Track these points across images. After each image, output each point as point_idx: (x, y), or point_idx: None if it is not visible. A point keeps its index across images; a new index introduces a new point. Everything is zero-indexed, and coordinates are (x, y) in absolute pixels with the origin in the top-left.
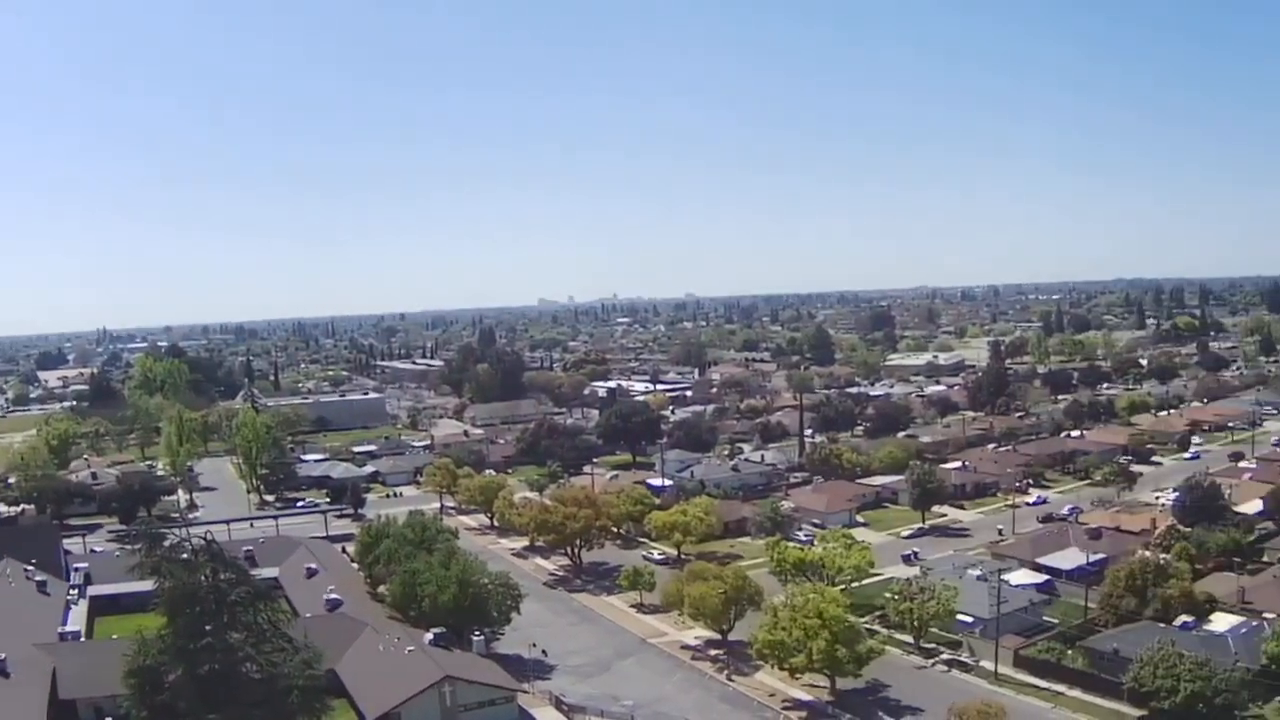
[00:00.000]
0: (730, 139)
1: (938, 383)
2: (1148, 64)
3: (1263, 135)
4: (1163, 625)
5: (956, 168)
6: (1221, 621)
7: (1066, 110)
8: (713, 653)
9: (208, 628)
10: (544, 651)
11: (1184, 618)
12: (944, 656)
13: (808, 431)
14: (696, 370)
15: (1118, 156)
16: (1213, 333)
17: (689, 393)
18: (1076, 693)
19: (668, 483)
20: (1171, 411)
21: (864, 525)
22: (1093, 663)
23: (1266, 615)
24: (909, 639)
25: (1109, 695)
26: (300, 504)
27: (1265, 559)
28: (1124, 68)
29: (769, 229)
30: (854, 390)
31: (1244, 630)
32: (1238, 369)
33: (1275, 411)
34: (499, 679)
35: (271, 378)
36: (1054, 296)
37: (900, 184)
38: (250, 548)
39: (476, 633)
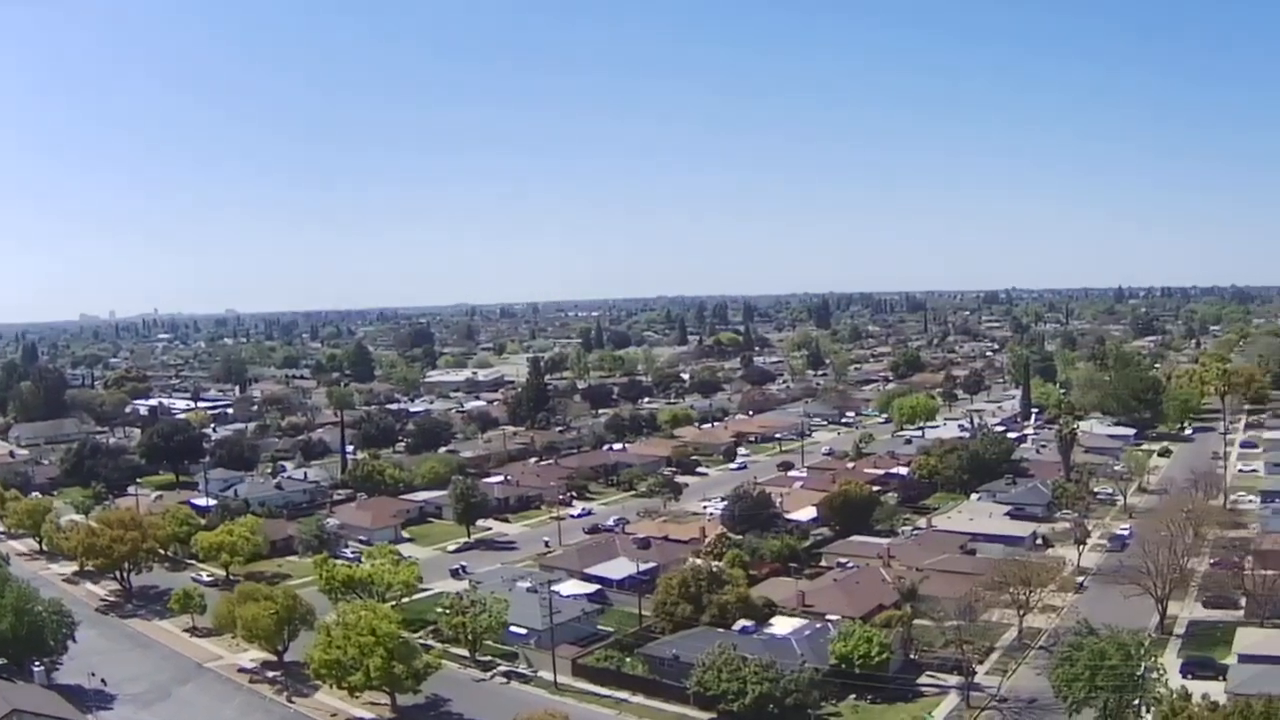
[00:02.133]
0: (260, 150)
1: (478, 398)
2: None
3: (814, 168)
4: (722, 630)
5: (491, 186)
6: (783, 625)
7: (592, 139)
8: (271, 674)
9: None
10: (103, 680)
11: (744, 622)
12: (502, 668)
13: (349, 448)
14: (238, 387)
15: (650, 180)
16: (758, 348)
17: (230, 410)
18: (640, 699)
19: (212, 502)
20: (716, 424)
21: (410, 541)
22: (653, 669)
23: (830, 617)
24: (465, 652)
25: (674, 700)
26: None
27: (823, 564)
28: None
29: (309, 245)
30: (394, 406)
31: (808, 632)
32: (784, 382)
33: (824, 422)
34: (64, 711)
35: None
36: (594, 313)
37: (436, 199)
38: None
39: (36, 663)
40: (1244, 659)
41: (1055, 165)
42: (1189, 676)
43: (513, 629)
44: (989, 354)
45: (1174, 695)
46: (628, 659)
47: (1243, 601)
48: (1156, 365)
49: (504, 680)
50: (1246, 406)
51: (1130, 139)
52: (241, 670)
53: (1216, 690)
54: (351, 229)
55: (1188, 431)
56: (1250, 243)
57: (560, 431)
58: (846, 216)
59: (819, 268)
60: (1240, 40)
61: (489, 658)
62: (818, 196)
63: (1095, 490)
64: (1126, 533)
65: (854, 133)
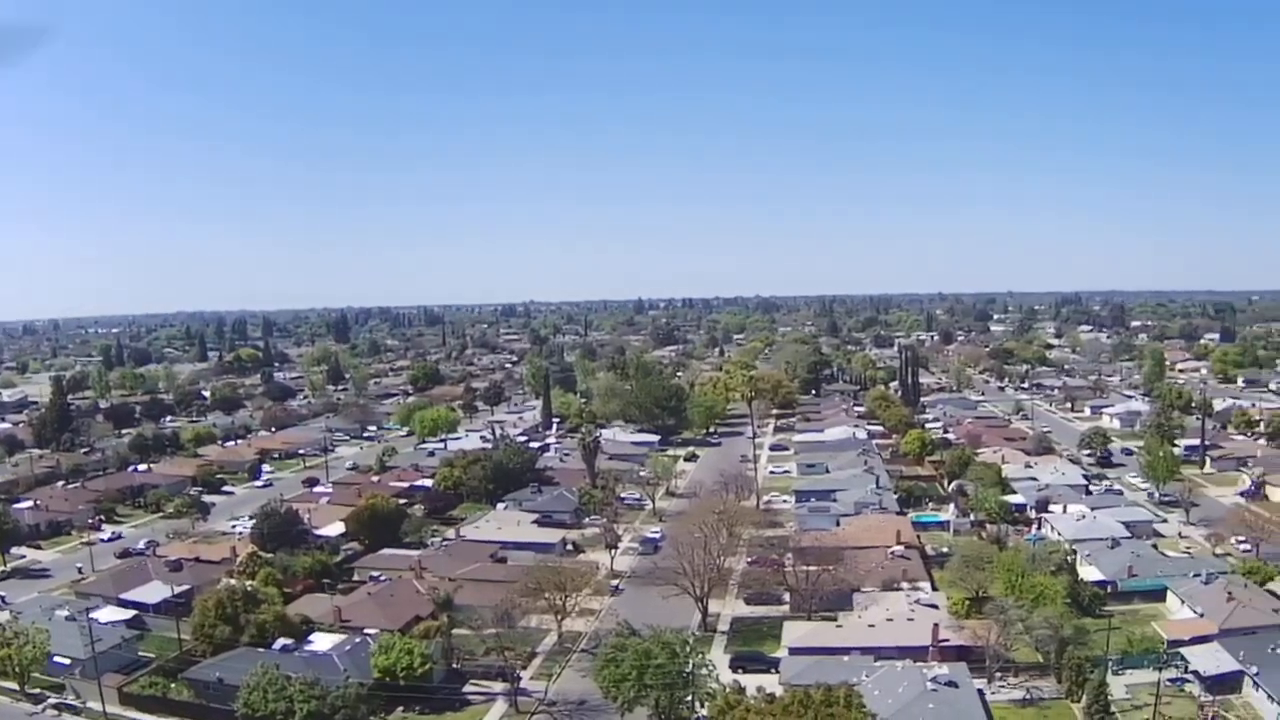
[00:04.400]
0: None
1: (3, 420)
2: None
3: (318, 184)
4: (263, 649)
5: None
6: (323, 641)
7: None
8: None
9: None
10: None
11: (284, 640)
12: (52, 701)
13: None
14: None
15: (163, 191)
16: (278, 364)
17: None
18: None
19: None
20: (239, 441)
21: None
22: (199, 693)
23: (368, 631)
24: (14, 686)
25: None
26: None
27: (356, 578)
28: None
29: None
30: None
31: (348, 647)
32: (305, 398)
33: (347, 437)
34: None
35: None
36: (114, 330)
37: None
38: None
39: None
40: (794, 651)
41: (560, 183)
42: (740, 671)
43: (56, 659)
44: (508, 366)
45: (727, 689)
46: (173, 684)
47: (786, 597)
48: (679, 374)
49: (55, 713)
50: (775, 411)
51: (619, 159)
52: None
53: (769, 683)
54: None
55: (714, 436)
56: (776, 257)
57: (85, 453)
58: (363, 231)
59: (337, 282)
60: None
61: (38, 690)
62: (331, 212)
63: (622, 495)
64: (658, 535)
65: (347, 151)
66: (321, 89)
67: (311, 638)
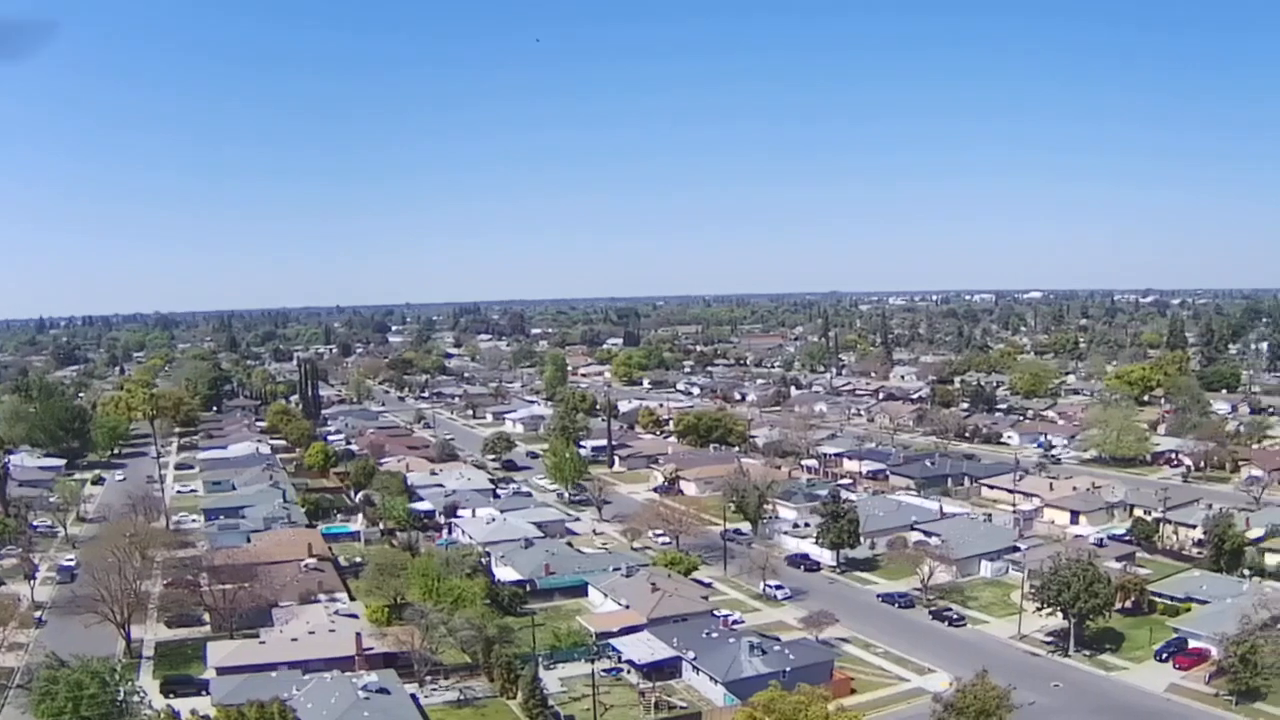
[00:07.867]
0: None
1: None
2: None
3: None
4: None
5: None
6: None
7: None
8: None
9: None
10: None
11: None
12: None
13: None
14: None
15: None
16: None
17: None
18: None
19: None
20: None
21: None
22: None
23: None
24: None
25: None
26: None
27: None
28: None
29: None
30: None
31: None
32: None
33: None
34: None
35: None
36: None
37: None
38: None
39: None
40: (222, 671)
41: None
42: (172, 695)
43: None
44: None
45: (160, 715)
46: None
47: (206, 617)
48: (81, 394)
49: None
50: (178, 429)
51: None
52: None
53: (203, 705)
54: None
55: (119, 457)
56: (173, 270)
57: None
58: None
59: None
60: None
61: None
62: None
63: (35, 523)
64: (73, 563)
65: None
66: None
67: None
